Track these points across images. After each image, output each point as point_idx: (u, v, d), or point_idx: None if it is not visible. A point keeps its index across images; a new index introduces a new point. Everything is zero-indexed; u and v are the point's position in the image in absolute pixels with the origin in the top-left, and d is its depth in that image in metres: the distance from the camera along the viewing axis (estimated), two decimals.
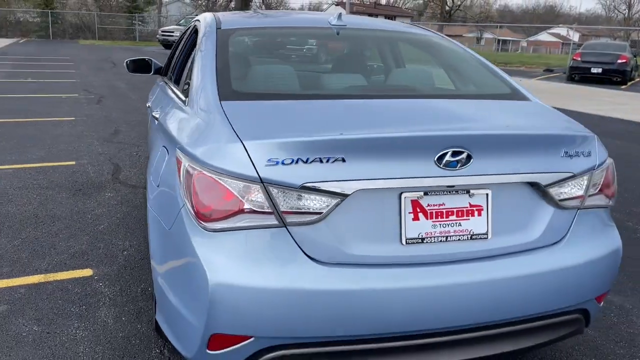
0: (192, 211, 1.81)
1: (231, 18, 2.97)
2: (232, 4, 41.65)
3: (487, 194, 1.91)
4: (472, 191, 1.90)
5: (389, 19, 69.19)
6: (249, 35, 2.87)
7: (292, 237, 1.76)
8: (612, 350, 2.72)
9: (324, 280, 1.76)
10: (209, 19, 2.92)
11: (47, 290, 3.06)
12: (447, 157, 1.81)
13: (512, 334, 1.99)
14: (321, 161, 1.74)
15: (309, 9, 75.02)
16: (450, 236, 1.89)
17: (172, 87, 3.06)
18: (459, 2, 57.98)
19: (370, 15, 68.03)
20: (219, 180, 1.76)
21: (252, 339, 1.77)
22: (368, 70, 3.04)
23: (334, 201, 1.76)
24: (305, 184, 1.73)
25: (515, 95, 2.55)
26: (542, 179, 1.96)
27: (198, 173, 1.81)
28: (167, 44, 27.22)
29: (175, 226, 1.92)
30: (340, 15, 2.84)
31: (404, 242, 1.84)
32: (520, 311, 1.94)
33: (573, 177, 2.01)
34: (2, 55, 20.38)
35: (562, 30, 62.17)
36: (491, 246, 1.93)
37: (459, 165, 1.83)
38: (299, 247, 1.76)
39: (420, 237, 1.86)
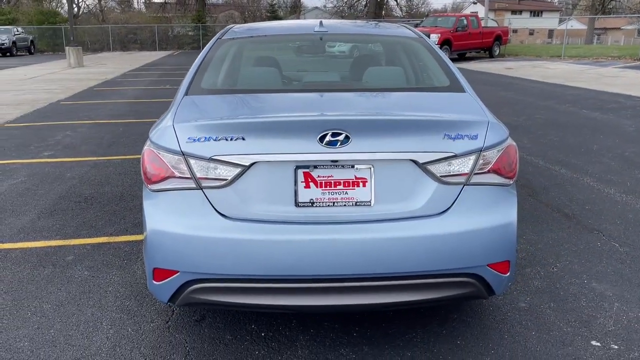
0: (143, 176, 2.45)
1: (239, 29, 3.59)
2: (366, 9, 42.63)
3: (370, 169, 2.29)
4: (356, 166, 2.29)
5: (534, 14, 65.50)
6: (241, 43, 3.46)
7: (206, 197, 2.31)
8: (560, 328, 2.86)
9: (229, 231, 2.29)
10: (223, 30, 3.57)
11: (105, 248, 3.93)
12: (328, 137, 2.24)
13: (396, 287, 2.33)
14: (226, 139, 2.28)
15: (452, 9, 73.67)
16: (337, 202, 2.31)
17: None
18: None
19: (513, 12, 65.01)
20: (158, 153, 2.37)
21: (178, 273, 2.35)
22: (321, 70, 3.47)
23: (237, 170, 2.28)
24: (213, 157, 2.27)
25: (452, 87, 2.83)
26: (421, 158, 2.28)
27: (147, 148, 2.44)
28: None
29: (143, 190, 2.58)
30: (321, 23, 3.33)
31: (296, 205, 2.30)
32: (401, 267, 2.28)
33: (455, 156, 2.31)
34: (155, 65, 23.30)
35: None
36: (373, 212, 2.31)
37: (339, 144, 2.24)
38: (212, 205, 2.31)
39: (310, 201, 2.30)
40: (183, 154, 2.31)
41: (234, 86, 3.04)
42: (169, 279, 2.38)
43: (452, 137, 2.31)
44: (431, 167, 2.30)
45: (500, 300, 3.13)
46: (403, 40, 3.46)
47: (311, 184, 2.30)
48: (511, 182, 2.45)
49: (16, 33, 31.49)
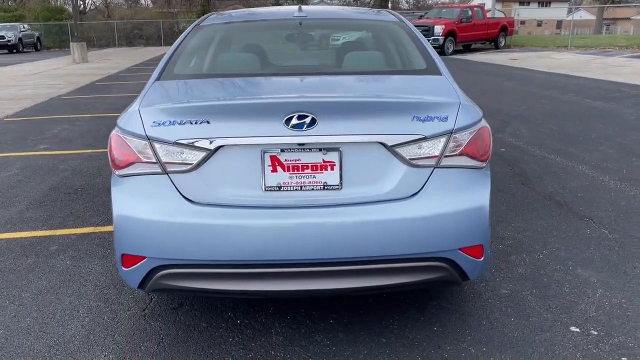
0: (111, 162, 2.43)
1: (219, 16, 3.57)
2: (372, 1, 42.37)
3: (339, 152, 2.25)
4: (324, 149, 2.25)
5: (542, 5, 64.72)
6: (218, 29, 3.43)
7: (171, 181, 2.29)
8: (539, 314, 2.81)
9: (195, 216, 2.26)
10: (202, 17, 3.54)
11: (89, 238, 3.92)
12: (294, 120, 2.20)
13: (366, 271, 2.29)
14: (191, 123, 2.24)
15: (460, 1, 72.94)
16: (305, 186, 2.27)
17: None
18: None
19: (521, 3, 64.26)
20: (124, 138, 2.35)
21: (146, 259, 2.33)
22: (300, 55, 3.43)
23: (202, 154, 2.25)
24: (177, 140, 2.24)
25: (428, 70, 2.79)
26: (389, 140, 2.24)
27: (114, 134, 2.42)
28: None
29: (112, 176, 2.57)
30: (300, 8, 3.29)
31: (263, 189, 2.27)
32: (370, 252, 2.25)
33: (424, 139, 2.26)
34: (159, 60, 23.13)
35: None
36: (342, 196, 2.27)
37: (305, 126, 2.20)
38: (177, 189, 2.28)
39: (278, 185, 2.27)
40: (148, 139, 2.28)
41: (207, 71, 3.02)
42: (137, 264, 2.36)
43: (422, 119, 2.27)
44: (400, 150, 2.26)
45: (481, 287, 3.09)
46: (384, 24, 3.41)
47: (278, 167, 2.27)
48: (484, 164, 2.40)
49: (22, 30, 31.63)
